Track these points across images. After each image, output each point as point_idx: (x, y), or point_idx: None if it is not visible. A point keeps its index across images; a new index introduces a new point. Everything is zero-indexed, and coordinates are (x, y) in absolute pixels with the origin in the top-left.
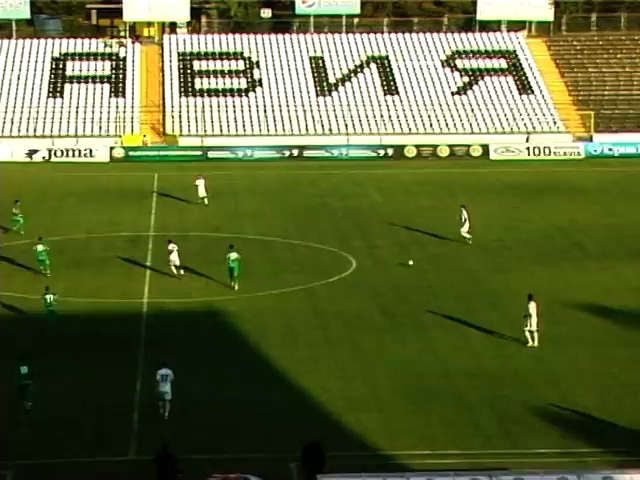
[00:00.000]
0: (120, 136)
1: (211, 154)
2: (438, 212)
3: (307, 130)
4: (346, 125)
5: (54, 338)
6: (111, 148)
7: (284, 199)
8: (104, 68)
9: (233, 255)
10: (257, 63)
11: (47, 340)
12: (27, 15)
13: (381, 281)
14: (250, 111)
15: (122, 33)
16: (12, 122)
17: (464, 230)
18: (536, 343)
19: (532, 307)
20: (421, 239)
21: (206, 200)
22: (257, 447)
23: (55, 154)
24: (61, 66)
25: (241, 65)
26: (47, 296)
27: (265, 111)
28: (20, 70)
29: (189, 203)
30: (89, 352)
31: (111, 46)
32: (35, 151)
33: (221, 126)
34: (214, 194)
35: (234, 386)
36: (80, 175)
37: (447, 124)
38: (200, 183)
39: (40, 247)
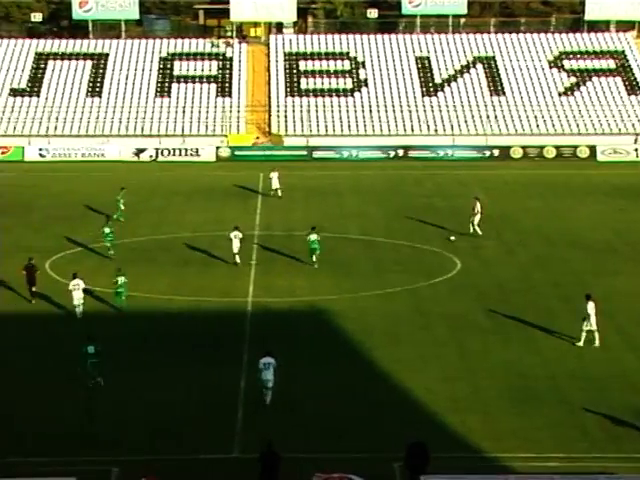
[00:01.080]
0: (226, 135)
1: (316, 154)
2: (544, 213)
3: (412, 130)
4: (452, 125)
5: (159, 336)
6: (217, 147)
7: (389, 199)
8: (211, 68)
9: (313, 237)
10: (363, 63)
11: (152, 339)
12: (136, 16)
13: (486, 282)
14: (355, 111)
15: (229, 33)
16: (120, 121)
17: (475, 222)
18: (597, 343)
19: (590, 307)
20: (526, 240)
21: (279, 192)
22: (360, 447)
23: (162, 153)
24: (169, 66)
25: (347, 65)
26: (119, 278)
27: (370, 111)
28: (129, 70)
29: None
30: (193, 350)
31: (218, 46)
32: (142, 150)
33: (326, 126)
34: (318, 194)
35: (338, 386)
36: (186, 174)
37: (554, 125)
38: (274, 176)
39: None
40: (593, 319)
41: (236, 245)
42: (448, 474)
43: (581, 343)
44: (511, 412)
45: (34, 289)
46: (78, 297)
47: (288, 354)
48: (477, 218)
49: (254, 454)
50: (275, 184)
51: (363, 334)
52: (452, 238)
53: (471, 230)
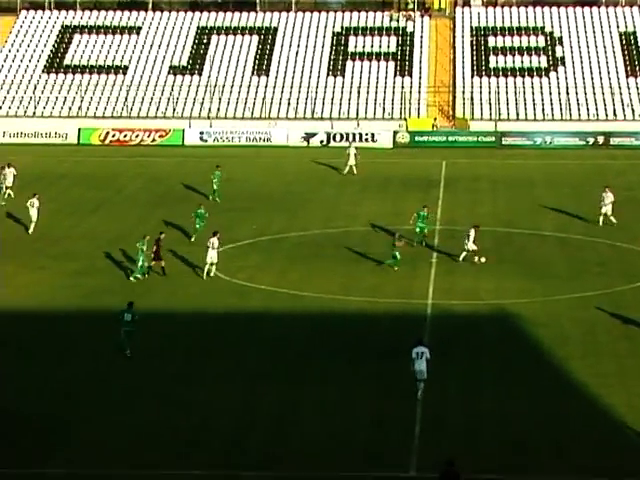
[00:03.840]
0: (405, 119)
1: (505, 140)
2: None
3: (615, 115)
4: None
5: (328, 341)
6: (395, 132)
7: (587, 192)
8: (389, 44)
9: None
10: (560, 39)
11: (321, 343)
12: None
13: None
14: (551, 93)
15: (410, 5)
16: (289, 103)
17: (607, 212)
18: None
19: None
20: None
21: (355, 169)
22: (551, 469)
23: (334, 138)
24: (343, 42)
25: (541, 41)
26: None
27: (567, 93)
28: (299, 46)
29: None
30: (364, 357)
31: (397, 20)
32: (312, 134)
33: (517, 110)
34: (508, 185)
35: (526, 399)
36: (361, 161)
37: None
38: (352, 151)
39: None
40: None
41: (211, 255)
42: None
43: None
44: None
45: (163, 264)
46: (211, 256)
47: (471, 363)
48: (608, 209)
49: (433, 474)
50: (352, 160)
51: (556, 343)
52: (483, 260)
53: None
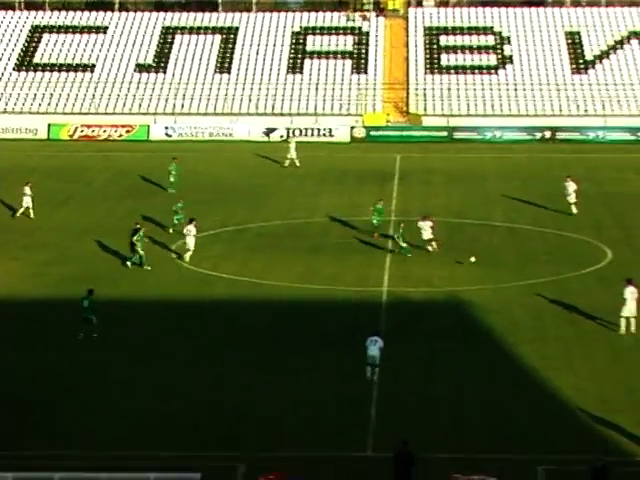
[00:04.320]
0: (361, 115)
1: (457, 135)
2: None
3: (561, 110)
4: (603, 105)
5: (289, 327)
6: (351, 127)
7: (535, 184)
8: (346, 43)
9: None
10: (508, 38)
11: (282, 330)
12: None
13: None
14: (499, 90)
15: (366, 6)
16: (250, 99)
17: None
18: (626, 330)
19: (628, 292)
20: None
21: (297, 162)
22: (502, 448)
23: (293, 133)
24: (301, 41)
25: (491, 40)
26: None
27: (515, 90)
28: (259, 45)
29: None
30: (324, 342)
31: (354, 20)
32: (273, 130)
33: (468, 105)
34: (459, 178)
35: (478, 383)
36: (319, 155)
37: None
38: (292, 146)
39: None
40: (631, 305)
41: (188, 242)
42: None
43: (631, 330)
44: None
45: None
46: (188, 242)
47: (425, 348)
48: (571, 197)
49: (388, 453)
50: (293, 154)
51: (506, 328)
52: (472, 259)
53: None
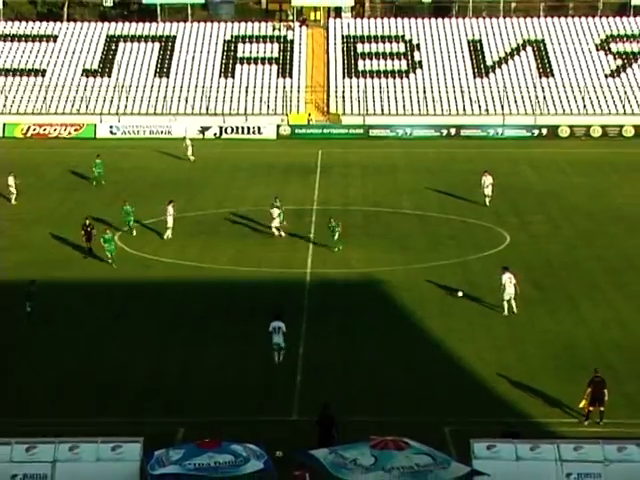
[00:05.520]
0: (287, 114)
1: (372, 132)
2: (589, 190)
3: (464, 110)
4: (502, 106)
5: (223, 305)
6: (278, 126)
7: (441, 176)
8: (272, 50)
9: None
10: (417, 46)
11: (217, 307)
12: (202, 0)
13: (534, 256)
14: (410, 92)
15: (290, 17)
16: (186, 101)
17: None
18: (509, 311)
19: (506, 278)
20: (573, 216)
21: (192, 158)
22: (412, 411)
23: (226, 131)
24: (233, 48)
25: (402, 48)
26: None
27: (424, 92)
28: (195, 52)
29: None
30: (254, 319)
31: (280, 29)
32: (207, 128)
33: (382, 106)
34: (374, 170)
35: (392, 353)
36: (249, 151)
37: (600, 105)
38: (188, 142)
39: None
40: (509, 290)
41: (168, 220)
42: (496, 438)
43: (505, 312)
44: (557, 379)
45: (90, 245)
46: (168, 221)
47: (344, 323)
48: (488, 190)
49: (312, 416)
50: (189, 151)
51: (416, 304)
52: (460, 294)
53: (487, 202)
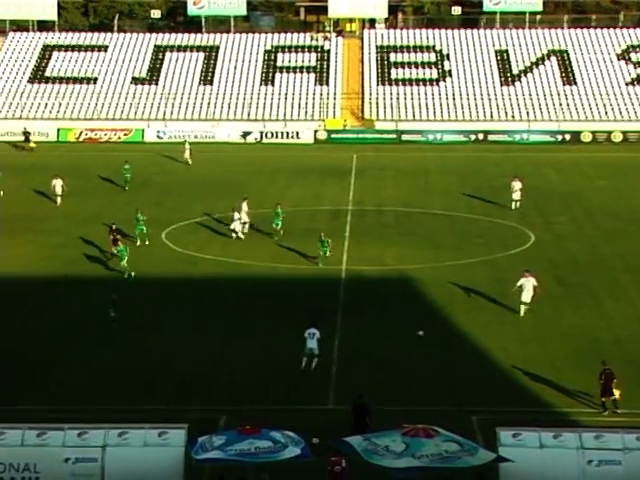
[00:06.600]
0: (323, 120)
1: (404, 137)
2: (611, 192)
3: (492, 116)
4: (527, 112)
5: (263, 299)
6: (315, 131)
7: (470, 178)
8: (310, 59)
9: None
10: (447, 55)
11: (257, 301)
12: (244, 12)
13: (558, 254)
14: (440, 99)
15: (327, 28)
16: (229, 107)
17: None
18: (523, 314)
19: (527, 281)
20: (595, 216)
21: (190, 161)
22: (442, 401)
23: (266, 135)
24: (273, 57)
25: (433, 57)
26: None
27: (454, 99)
28: (237, 61)
29: (381, 181)
30: (292, 312)
31: (317, 40)
32: (249, 133)
33: (414, 112)
34: (406, 173)
35: (422, 345)
36: (287, 154)
37: (621, 112)
38: (187, 147)
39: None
40: (527, 293)
41: (242, 217)
42: (520, 427)
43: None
44: (579, 371)
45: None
46: (242, 217)
47: (378, 317)
48: (517, 195)
49: (347, 405)
50: (187, 155)
51: (445, 300)
52: (420, 333)
53: (513, 206)
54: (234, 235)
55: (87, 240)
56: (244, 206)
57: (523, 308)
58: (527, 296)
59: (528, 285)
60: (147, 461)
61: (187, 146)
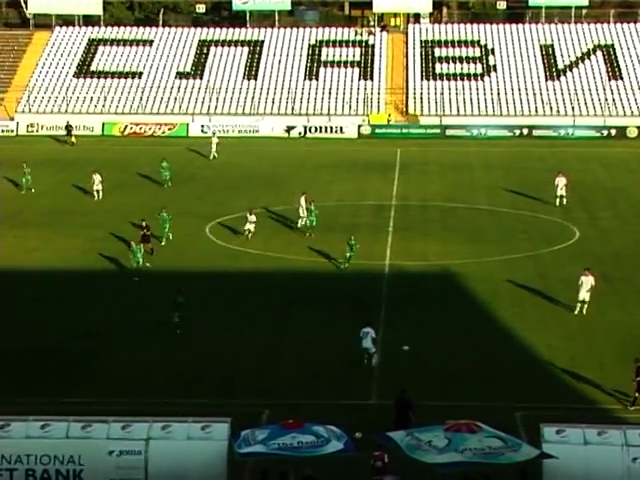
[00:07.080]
0: (367, 115)
1: (448, 132)
2: None
3: (537, 111)
4: (573, 107)
5: (306, 294)
6: (359, 125)
7: (514, 174)
8: (354, 54)
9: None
10: (492, 50)
11: (300, 296)
12: (288, 7)
13: (602, 249)
14: (485, 94)
15: (371, 23)
16: (273, 102)
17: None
18: (577, 312)
19: (584, 279)
20: None
21: (216, 154)
22: (486, 397)
23: (310, 130)
24: (317, 52)
25: (477, 52)
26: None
27: (498, 94)
28: (281, 56)
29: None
30: (335, 307)
31: (361, 34)
32: (292, 127)
33: (458, 107)
34: (451, 168)
35: (465, 341)
36: (331, 149)
37: None
38: (214, 141)
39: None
40: (584, 290)
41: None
42: (566, 423)
43: (577, 312)
44: (624, 368)
45: (151, 246)
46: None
47: (421, 312)
48: (562, 191)
49: (389, 400)
50: (214, 148)
51: (490, 295)
52: (405, 348)
53: (558, 203)
54: (248, 235)
55: (132, 234)
56: (302, 201)
57: (578, 306)
58: (584, 294)
59: (586, 283)
60: (190, 454)
61: (215, 140)
